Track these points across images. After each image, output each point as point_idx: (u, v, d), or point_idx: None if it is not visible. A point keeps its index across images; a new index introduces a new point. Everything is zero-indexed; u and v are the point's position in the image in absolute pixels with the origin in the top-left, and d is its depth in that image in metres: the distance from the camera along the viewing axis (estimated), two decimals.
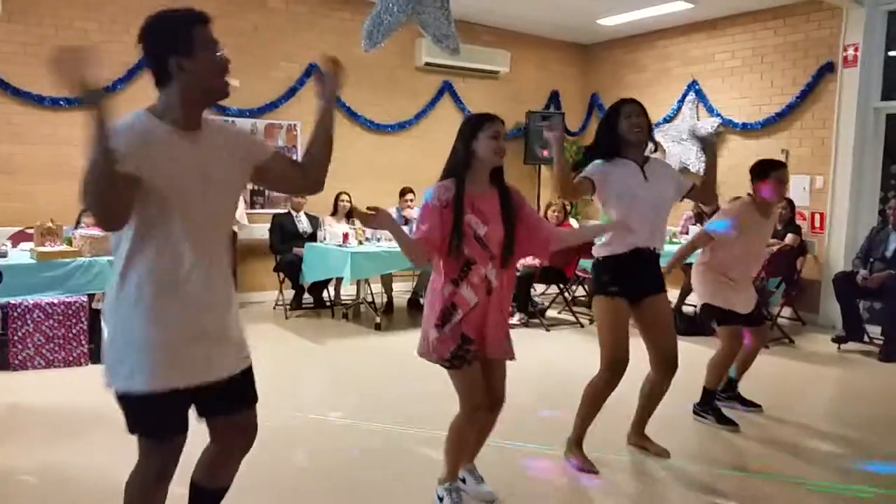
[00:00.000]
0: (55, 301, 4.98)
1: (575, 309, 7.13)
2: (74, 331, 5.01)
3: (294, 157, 2.32)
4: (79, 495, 3.00)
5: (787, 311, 6.93)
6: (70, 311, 5.00)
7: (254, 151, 2.13)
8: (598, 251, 3.34)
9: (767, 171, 3.90)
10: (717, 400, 4.21)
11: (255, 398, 2.15)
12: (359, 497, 3.07)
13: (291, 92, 7.69)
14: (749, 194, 4.08)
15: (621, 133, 3.24)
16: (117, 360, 1.90)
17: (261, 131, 7.57)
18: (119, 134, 1.72)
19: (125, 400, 1.92)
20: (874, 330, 6.00)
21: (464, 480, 3.07)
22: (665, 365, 3.38)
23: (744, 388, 4.39)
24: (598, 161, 3.31)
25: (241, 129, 2.23)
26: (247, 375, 2.11)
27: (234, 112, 7.38)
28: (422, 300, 7.54)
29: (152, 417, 1.94)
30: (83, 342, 5.05)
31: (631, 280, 3.27)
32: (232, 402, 2.08)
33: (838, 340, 6.02)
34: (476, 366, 2.74)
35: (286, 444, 3.51)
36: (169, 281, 1.89)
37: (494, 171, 2.77)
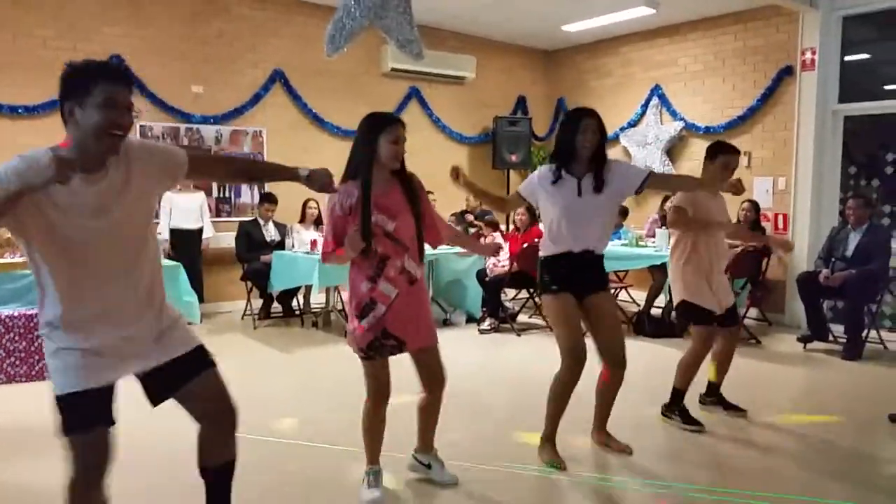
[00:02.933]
0: (15, 314, 4.86)
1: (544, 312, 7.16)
2: (36, 344, 4.89)
3: (214, 155, 2.43)
4: None
5: (753, 312, 7.04)
6: (31, 325, 4.87)
7: (168, 169, 2.22)
8: (540, 252, 3.50)
9: (716, 154, 4.01)
10: (701, 403, 4.30)
11: (203, 365, 2.28)
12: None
13: (256, 98, 7.61)
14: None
15: (575, 145, 3.33)
16: (49, 368, 2.12)
17: (226, 138, 7.49)
18: (13, 168, 1.87)
19: (56, 402, 2.09)
20: (838, 329, 6.11)
21: (429, 466, 3.25)
22: (612, 361, 3.48)
23: None
24: (543, 169, 3.47)
25: (156, 147, 2.28)
26: (192, 354, 2.27)
27: (199, 119, 7.29)
28: None
29: (71, 415, 2.08)
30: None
31: (570, 279, 3.39)
32: (179, 377, 2.23)
33: (804, 340, 6.12)
34: (386, 361, 2.92)
35: (255, 456, 3.45)
36: (75, 302, 2.06)
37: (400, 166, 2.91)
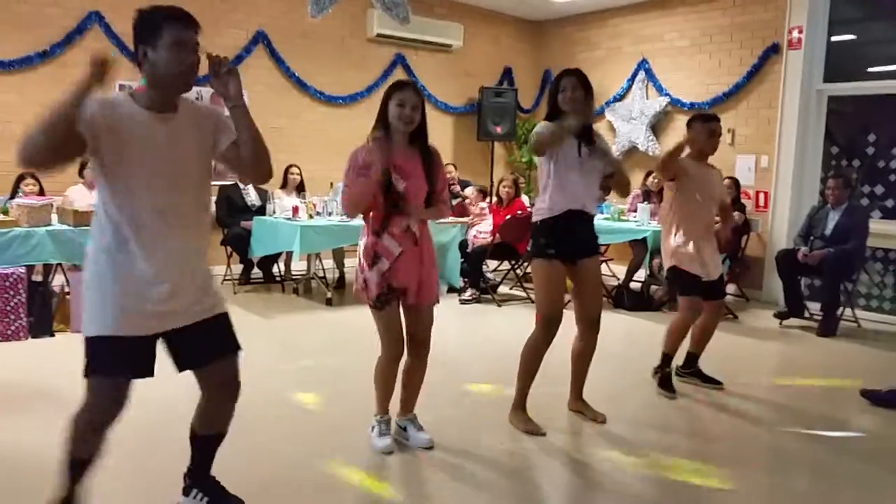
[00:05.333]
0: None
1: (526, 285, 7.18)
2: (12, 304, 4.82)
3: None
4: (14, 473, 2.90)
5: (731, 288, 7.10)
6: (7, 284, 4.80)
7: (220, 127, 2.29)
8: (535, 216, 3.50)
9: (697, 122, 4.10)
10: (678, 375, 4.38)
11: (231, 348, 2.36)
12: (308, 465, 3.05)
13: (238, 60, 7.47)
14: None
15: (560, 105, 3.37)
16: (86, 306, 2.16)
17: (206, 99, 7.36)
18: (97, 100, 2.03)
19: (85, 343, 2.14)
20: (814, 306, 6.20)
21: (404, 429, 3.32)
22: (587, 321, 3.57)
23: None
24: (540, 124, 3.42)
25: (222, 114, 2.36)
26: (218, 325, 2.33)
27: None
28: None
29: (102, 358, 2.14)
30: (21, 315, 4.86)
31: (567, 241, 3.42)
32: (206, 352, 2.31)
33: (780, 316, 6.20)
34: (397, 312, 3.08)
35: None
36: (130, 237, 2.12)
37: (416, 133, 3.04)
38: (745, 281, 7.25)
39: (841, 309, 6.00)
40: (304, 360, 4.74)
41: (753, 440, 3.61)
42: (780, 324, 6.18)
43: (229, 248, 6.92)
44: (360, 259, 3.09)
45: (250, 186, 7.04)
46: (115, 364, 2.15)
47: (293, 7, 7.44)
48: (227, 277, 6.97)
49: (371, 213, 3.05)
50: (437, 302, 3.19)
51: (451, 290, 6.97)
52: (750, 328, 6.12)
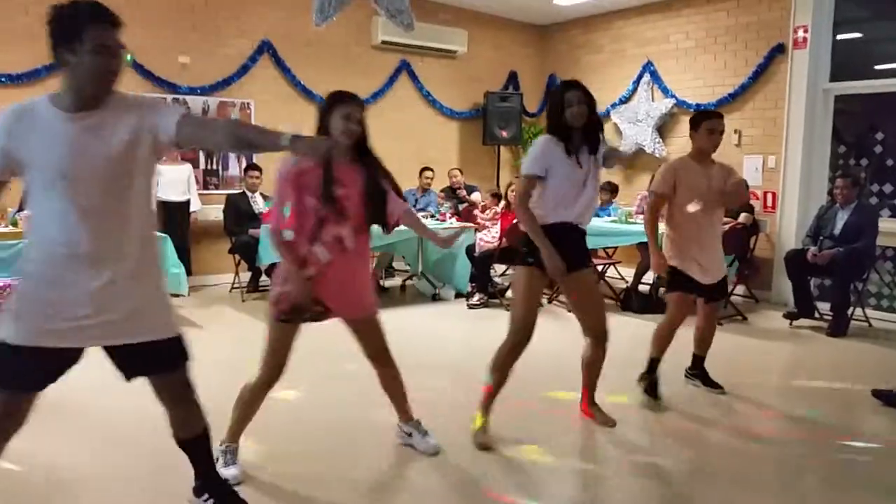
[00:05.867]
0: (1, 283, 4.81)
1: None
2: None
3: (205, 118, 2.34)
4: (19, 483, 2.91)
5: (740, 289, 7.08)
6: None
7: (157, 126, 2.12)
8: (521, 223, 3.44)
9: (700, 121, 4.02)
10: (686, 377, 4.37)
11: (174, 364, 2.28)
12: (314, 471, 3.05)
13: (244, 69, 7.52)
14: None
15: (567, 121, 3.30)
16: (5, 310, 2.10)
17: (213, 110, 7.40)
18: (5, 123, 1.99)
19: None
20: (824, 306, 6.16)
21: (410, 435, 3.28)
22: (594, 334, 3.53)
23: None
24: (546, 139, 3.33)
25: (151, 102, 2.22)
26: (167, 344, 2.23)
27: (185, 90, 7.20)
28: (381, 281, 7.59)
29: (5, 368, 2.06)
30: None
31: (557, 253, 3.30)
32: (147, 365, 2.23)
33: (790, 317, 6.16)
34: (297, 327, 2.90)
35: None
36: (50, 249, 2.05)
37: (359, 144, 2.92)
38: (754, 282, 7.21)
39: (851, 309, 5.96)
40: (314, 366, 4.74)
41: (763, 443, 3.58)
42: (790, 324, 6.15)
43: (237, 257, 6.94)
44: (276, 274, 2.93)
45: (258, 194, 7.06)
46: (14, 376, 2.07)
47: (298, 15, 7.47)
48: (235, 285, 6.98)
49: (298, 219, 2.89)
50: (376, 313, 3.08)
51: (459, 295, 6.97)
52: (759, 329, 6.08)
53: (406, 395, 3.27)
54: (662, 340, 4.11)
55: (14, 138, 2.00)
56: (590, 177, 3.37)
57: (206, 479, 2.54)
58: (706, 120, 4.01)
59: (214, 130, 2.23)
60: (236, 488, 2.83)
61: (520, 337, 3.36)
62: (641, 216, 7.09)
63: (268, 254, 6.57)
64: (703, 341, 4.29)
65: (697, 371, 4.37)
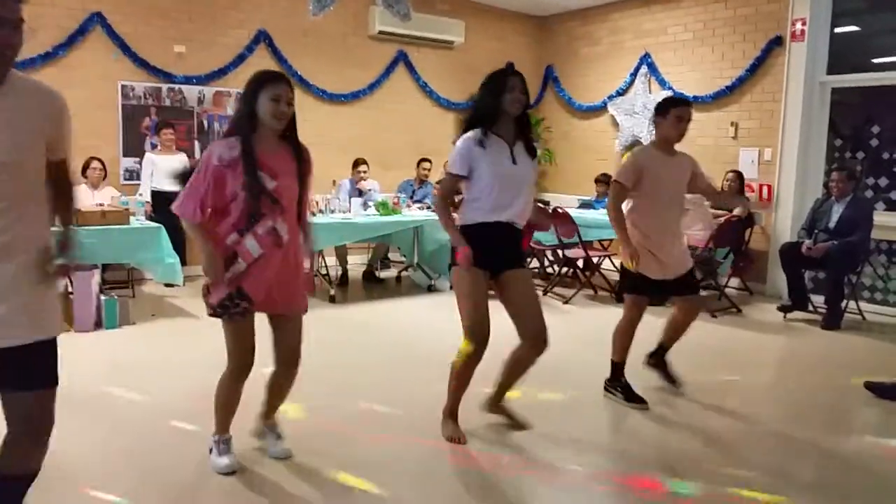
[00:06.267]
0: None
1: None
2: None
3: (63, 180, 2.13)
4: None
5: (735, 281, 7.09)
6: None
7: (56, 136, 2.02)
8: (460, 220, 3.24)
9: (668, 107, 3.79)
10: (645, 364, 4.14)
11: (37, 384, 1.98)
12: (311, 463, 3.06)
13: (240, 59, 7.49)
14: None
15: (503, 105, 3.15)
16: None
17: (209, 99, 7.38)
18: None
19: None
20: (818, 299, 6.18)
21: (263, 435, 3.14)
22: (531, 340, 3.26)
23: (693, 355, 4.47)
24: (469, 137, 3.17)
25: (54, 96, 2.03)
26: (29, 356, 1.94)
27: (181, 79, 7.18)
28: (377, 273, 7.59)
29: None
30: None
31: (488, 251, 3.16)
32: (5, 380, 1.95)
33: (784, 310, 6.18)
34: (249, 323, 2.78)
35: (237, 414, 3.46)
36: None
37: (287, 130, 2.77)
38: (748, 274, 7.23)
39: (845, 302, 5.98)
40: (310, 357, 4.75)
41: (757, 435, 3.60)
42: (784, 317, 6.17)
43: None
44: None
45: None
46: None
47: (295, 6, 7.44)
48: None
49: (214, 214, 2.77)
50: (305, 312, 2.94)
51: None
52: (754, 322, 6.10)
53: (285, 399, 3.11)
54: (622, 340, 3.90)
55: None
56: (525, 174, 3.22)
57: None
58: (675, 107, 3.79)
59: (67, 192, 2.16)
60: (229, 477, 2.85)
61: (474, 342, 3.15)
62: None
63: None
64: (675, 334, 4.04)
65: (658, 360, 4.14)
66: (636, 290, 3.86)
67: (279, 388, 3.04)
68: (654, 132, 3.98)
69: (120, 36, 6.69)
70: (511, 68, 3.27)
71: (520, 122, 3.23)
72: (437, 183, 7.98)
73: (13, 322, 1.91)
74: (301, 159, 2.83)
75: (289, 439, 3.16)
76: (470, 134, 3.18)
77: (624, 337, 3.91)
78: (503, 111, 3.15)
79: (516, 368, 3.37)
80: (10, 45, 1.84)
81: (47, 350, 2.00)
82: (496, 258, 3.19)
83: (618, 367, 3.95)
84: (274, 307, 2.85)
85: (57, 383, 2.03)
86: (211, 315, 2.80)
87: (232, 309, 2.75)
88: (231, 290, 2.73)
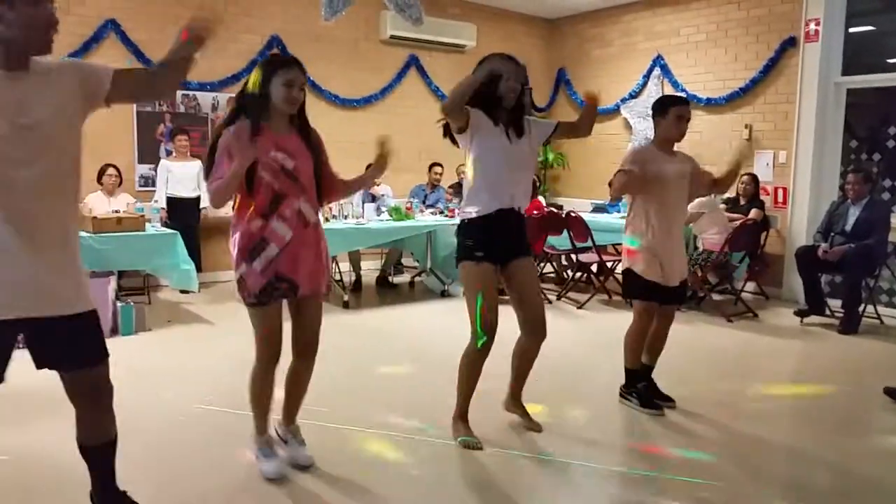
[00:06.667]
0: None
1: (542, 286, 7.16)
2: None
3: (139, 69, 2.27)
4: (32, 478, 2.93)
5: (750, 286, 7.04)
6: None
7: (90, 84, 2.08)
8: (462, 214, 3.27)
9: (667, 107, 3.72)
10: (622, 395, 3.98)
11: (91, 359, 2.13)
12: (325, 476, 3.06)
13: (253, 65, 7.47)
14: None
15: (500, 93, 3.17)
16: None
17: (223, 105, 7.41)
18: None
19: None
20: (835, 303, 6.12)
21: (286, 442, 3.12)
22: (532, 328, 3.33)
23: (709, 360, 4.44)
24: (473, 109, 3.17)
25: (76, 63, 2.18)
26: (77, 332, 2.08)
27: (195, 86, 7.22)
28: (390, 278, 7.59)
29: None
30: None
31: (497, 243, 3.19)
32: (62, 358, 2.10)
33: (801, 314, 6.13)
34: (278, 308, 2.80)
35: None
36: None
37: (297, 114, 2.83)
38: (764, 279, 7.17)
39: (863, 306, 5.92)
40: (324, 363, 4.76)
41: (774, 442, 3.57)
42: (801, 322, 6.11)
43: None
44: (233, 254, 2.81)
45: None
46: None
47: (307, 11, 7.47)
48: None
49: (241, 202, 2.78)
50: (327, 295, 2.98)
51: None
52: (770, 326, 6.05)
53: (303, 398, 3.10)
54: (634, 348, 3.86)
55: None
56: (523, 154, 3.23)
57: (104, 490, 2.36)
58: (675, 105, 3.72)
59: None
60: (245, 484, 2.84)
61: (484, 335, 3.19)
62: None
63: None
64: (657, 343, 3.91)
65: (645, 381, 3.94)
66: (645, 295, 3.79)
67: (298, 382, 3.03)
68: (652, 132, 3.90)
69: (134, 43, 6.73)
70: (512, 57, 3.24)
71: (515, 106, 3.24)
72: (450, 188, 8.00)
73: (63, 295, 2.03)
74: (309, 137, 2.87)
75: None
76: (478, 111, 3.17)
77: (635, 344, 3.86)
78: (502, 97, 3.18)
79: (523, 361, 3.44)
80: (55, 23, 1.94)
81: (95, 321, 2.13)
82: (505, 249, 3.22)
83: (631, 374, 3.92)
84: (308, 285, 2.85)
85: (108, 354, 2.17)
86: (252, 305, 2.80)
87: (275, 294, 2.77)
88: (269, 277, 2.75)
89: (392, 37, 8.26)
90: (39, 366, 2.09)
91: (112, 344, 2.24)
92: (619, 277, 7.09)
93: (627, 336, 3.88)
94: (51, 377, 2.13)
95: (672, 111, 3.70)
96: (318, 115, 7.75)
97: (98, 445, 2.26)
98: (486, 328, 3.18)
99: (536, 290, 3.43)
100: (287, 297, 2.83)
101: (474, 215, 3.19)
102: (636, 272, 3.75)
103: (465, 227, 3.23)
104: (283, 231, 2.75)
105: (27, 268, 1.96)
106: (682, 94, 7.96)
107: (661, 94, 8.25)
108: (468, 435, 3.33)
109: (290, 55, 2.85)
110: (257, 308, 2.80)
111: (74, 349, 2.09)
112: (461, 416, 3.40)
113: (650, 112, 3.89)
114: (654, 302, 3.78)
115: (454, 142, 3.31)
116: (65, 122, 2.03)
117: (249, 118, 2.74)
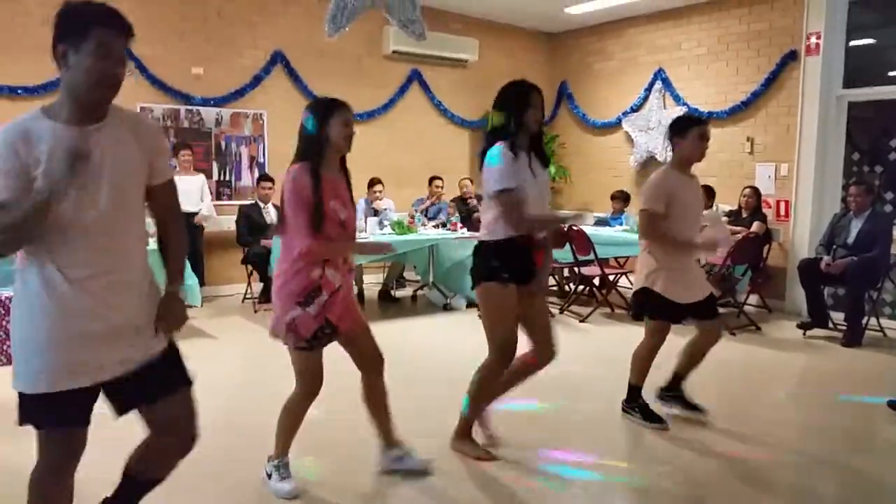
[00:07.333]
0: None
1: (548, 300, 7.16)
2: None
3: (174, 212, 2.19)
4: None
5: (753, 299, 7.03)
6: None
7: (155, 162, 2.07)
8: (487, 236, 3.24)
9: (688, 127, 3.68)
10: (660, 399, 4.01)
11: (178, 385, 2.13)
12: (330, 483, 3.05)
13: (257, 80, 7.57)
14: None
15: (525, 121, 3.18)
16: (20, 358, 1.93)
17: (226, 120, 7.45)
18: (8, 149, 1.80)
19: (23, 396, 1.94)
20: (838, 316, 6.11)
21: (401, 459, 3.17)
22: (546, 356, 3.34)
23: (712, 374, 4.43)
24: (503, 149, 3.15)
25: (154, 128, 2.22)
26: (164, 362, 2.09)
27: (199, 101, 7.26)
28: (393, 292, 7.60)
29: (47, 411, 1.93)
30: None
31: (520, 264, 3.22)
32: (151, 390, 2.07)
33: (804, 327, 6.12)
34: (321, 352, 2.87)
35: (259, 437, 3.46)
36: (65, 278, 1.89)
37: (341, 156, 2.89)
38: (767, 291, 7.16)
39: (866, 318, 5.91)
40: (327, 376, 4.76)
41: (778, 456, 3.55)
42: (804, 334, 6.10)
43: (250, 267, 6.97)
44: (281, 297, 2.83)
45: (270, 205, 7.09)
46: (62, 414, 1.95)
47: (310, 27, 7.52)
48: (247, 296, 7.01)
49: (293, 241, 2.81)
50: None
51: (471, 304, 6.97)
52: (773, 339, 6.04)
53: (390, 413, 3.15)
54: (642, 365, 3.84)
55: (29, 169, 1.83)
56: (543, 184, 3.28)
57: None
58: (696, 126, 3.67)
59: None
60: (292, 502, 2.87)
61: (503, 356, 3.21)
62: None
63: None
64: (693, 361, 3.90)
65: (674, 392, 4.00)
66: (659, 314, 3.77)
67: (380, 398, 3.10)
68: (671, 153, 3.88)
69: (138, 58, 6.77)
70: (534, 86, 3.29)
71: (535, 137, 3.27)
72: (452, 202, 8.02)
73: (150, 334, 2.05)
74: (349, 183, 2.95)
75: (303, 455, 3.15)
76: (502, 148, 3.15)
77: (644, 362, 3.85)
78: (527, 127, 3.19)
79: (519, 378, 3.42)
80: (120, 79, 1.91)
81: (176, 351, 2.16)
82: (528, 270, 3.25)
83: (635, 389, 3.90)
84: (349, 327, 2.93)
85: (192, 382, 2.16)
86: (301, 349, 2.83)
87: (323, 340, 2.84)
88: (320, 322, 2.80)
89: (395, 52, 8.31)
90: (124, 411, 2.09)
91: None
92: (622, 291, 7.17)
93: (637, 353, 3.87)
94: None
95: (693, 131, 3.65)
96: None
97: (143, 481, 2.23)
98: (507, 349, 3.20)
99: (548, 316, 3.45)
100: (332, 341, 2.91)
101: (500, 237, 3.17)
102: (656, 291, 3.68)
103: (492, 249, 3.20)
104: (334, 279, 2.83)
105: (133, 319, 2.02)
106: (685, 108, 8.00)
107: (662, 108, 8.31)
108: (478, 450, 3.38)
109: (338, 98, 2.92)
110: (304, 352, 2.85)
111: (169, 374, 2.12)
112: (466, 432, 3.43)
113: (668, 133, 3.84)
114: (668, 321, 3.77)
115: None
116: (133, 178, 2.03)
117: (311, 162, 2.79)
